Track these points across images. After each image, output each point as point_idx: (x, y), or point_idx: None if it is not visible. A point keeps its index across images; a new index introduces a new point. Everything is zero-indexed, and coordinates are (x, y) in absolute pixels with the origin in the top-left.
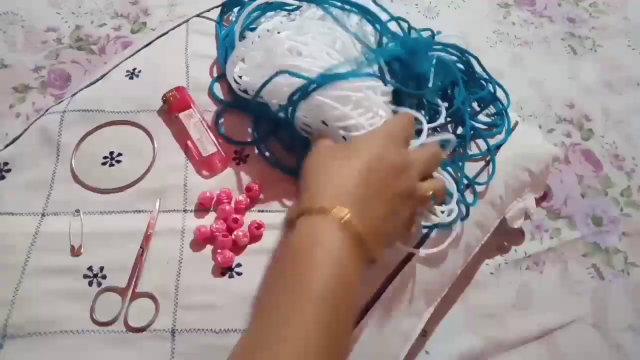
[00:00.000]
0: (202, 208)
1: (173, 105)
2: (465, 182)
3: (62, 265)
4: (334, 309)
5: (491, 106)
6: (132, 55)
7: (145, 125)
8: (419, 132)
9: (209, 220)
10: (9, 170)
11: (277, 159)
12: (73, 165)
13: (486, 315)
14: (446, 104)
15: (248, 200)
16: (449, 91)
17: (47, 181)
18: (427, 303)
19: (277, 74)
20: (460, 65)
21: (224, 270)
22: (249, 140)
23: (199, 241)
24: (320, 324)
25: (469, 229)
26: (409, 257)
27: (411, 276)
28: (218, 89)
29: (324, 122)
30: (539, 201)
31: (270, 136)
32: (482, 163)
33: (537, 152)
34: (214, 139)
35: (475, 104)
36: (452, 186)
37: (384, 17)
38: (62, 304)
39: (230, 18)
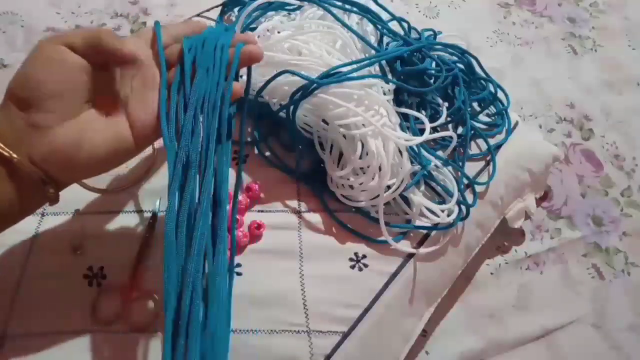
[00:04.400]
0: None
1: None
2: (466, 182)
3: (62, 265)
4: None
5: (491, 106)
6: None
7: None
8: (421, 131)
9: None
10: None
11: (277, 159)
12: None
13: (486, 315)
14: (447, 104)
15: (248, 200)
16: (449, 91)
17: None
18: (428, 303)
19: (280, 73)
20: (461, 65)
21: None
22: (249, 140)
23: None
24: None
25: (469, 229)
26: (409, 257)
27: (411, 276)
28: None
29: (324, 121)
30: (539, 201)
31: (270, 136)
32: (483, 163)
33: (538, 152)
34: None
35: (475, 104)
36: (453, 186)
37: (384, 16)
38: (62, 304)
39: (231, 18)
